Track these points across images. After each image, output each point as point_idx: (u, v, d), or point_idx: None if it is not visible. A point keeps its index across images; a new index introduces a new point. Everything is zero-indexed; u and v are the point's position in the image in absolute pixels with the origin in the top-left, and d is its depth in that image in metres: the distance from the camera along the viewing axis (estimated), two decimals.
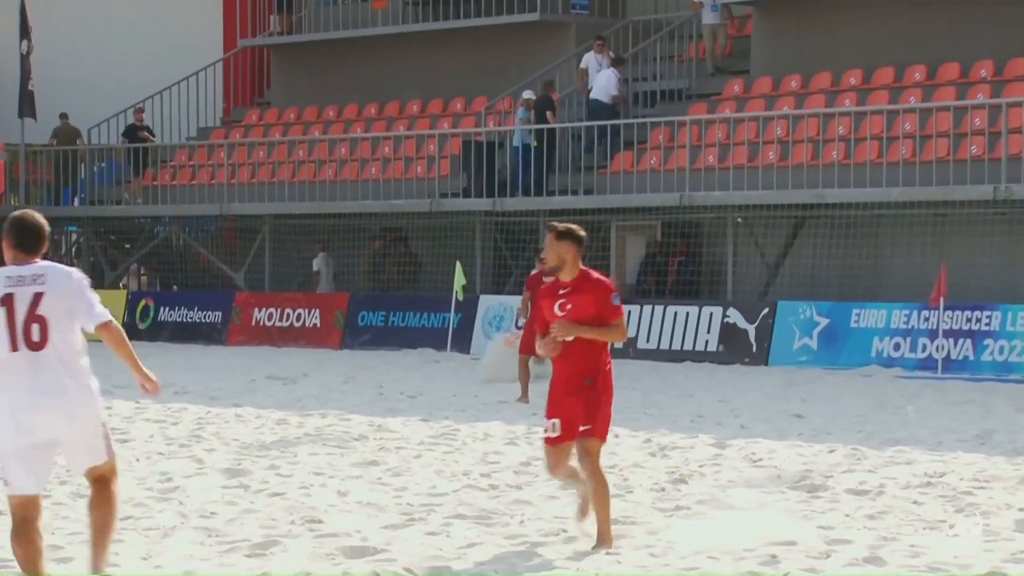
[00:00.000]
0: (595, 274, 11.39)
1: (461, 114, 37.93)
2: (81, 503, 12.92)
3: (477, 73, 37.72)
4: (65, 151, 41.31)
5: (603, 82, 34.81)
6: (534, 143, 34.38)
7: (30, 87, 39.75)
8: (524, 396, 22.38)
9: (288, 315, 35.93)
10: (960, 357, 27.54)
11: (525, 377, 22.67)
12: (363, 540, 11.12)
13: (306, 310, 35.58)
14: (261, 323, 36.39)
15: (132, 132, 40.59)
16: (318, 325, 35.17)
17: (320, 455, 16.21)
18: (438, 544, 10.75)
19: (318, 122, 40.19)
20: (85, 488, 13.81)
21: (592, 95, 34.99)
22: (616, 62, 35.19)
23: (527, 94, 34.98)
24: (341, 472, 14.79)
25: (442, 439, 17.85)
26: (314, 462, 15.67)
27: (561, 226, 11.33)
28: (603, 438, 11.26)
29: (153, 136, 40.84)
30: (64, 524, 11.92)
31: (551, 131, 34.40)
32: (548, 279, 23.82)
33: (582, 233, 11.39)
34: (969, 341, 27.63)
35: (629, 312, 31.18)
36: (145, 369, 9.18)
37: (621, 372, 27.43)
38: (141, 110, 40.67)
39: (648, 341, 31.00)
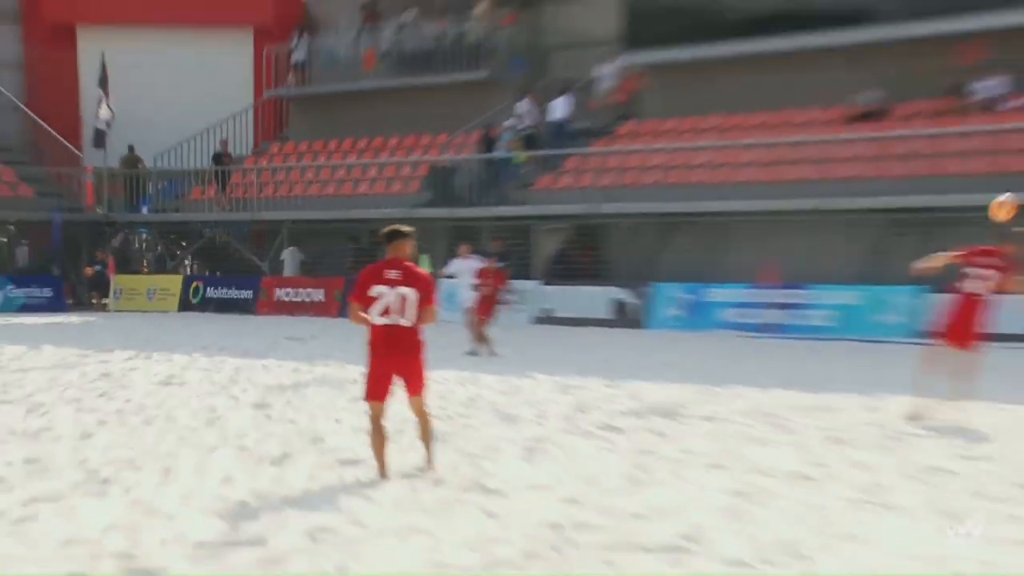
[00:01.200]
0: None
1: (428, 146, 38.02)
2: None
3: (441, 116, 37.68)
4: (136, 174, 41.40)
5: (562, 105, 34.96)
6: (518, 159, 34.74)
7: (98, 126, 39.59)
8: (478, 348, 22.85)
9: (301, 293, 36.06)
10: (782, 323, 27.87)
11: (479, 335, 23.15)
12: (354, 455, 11.27)
13: (314, 289, 35.70)
14: (281, 299, 36.45)
15: (219, 158, 40.54)
16: (322, 300, 35.25)
17: (323, 394, 16.29)
18: (410, 459, 10.91)
19: (324, 152, 40.24)
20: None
21: (553, 118, 35.09)
22: (565, 88, 35.34)
23: (509, 123, 35.48)
24: (338, 406, 14.85)
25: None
26: (319, 399, 15.74)
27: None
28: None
29: (232, 159, 40.83)
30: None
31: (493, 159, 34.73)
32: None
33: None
34: (789, 311, 27.95)
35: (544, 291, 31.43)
36: None
37: (542, 333, 27.85)
38: (225, 141, 40.76)
39: (562, 311, 31.20)
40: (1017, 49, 28.59)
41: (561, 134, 35.02)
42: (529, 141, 35.17)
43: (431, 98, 38.29)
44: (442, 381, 17.44)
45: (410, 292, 10.22)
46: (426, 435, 10.66)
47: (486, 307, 23.43)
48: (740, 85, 32.58)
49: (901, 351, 23.01)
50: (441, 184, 35.48)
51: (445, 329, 25.62)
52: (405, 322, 10.26)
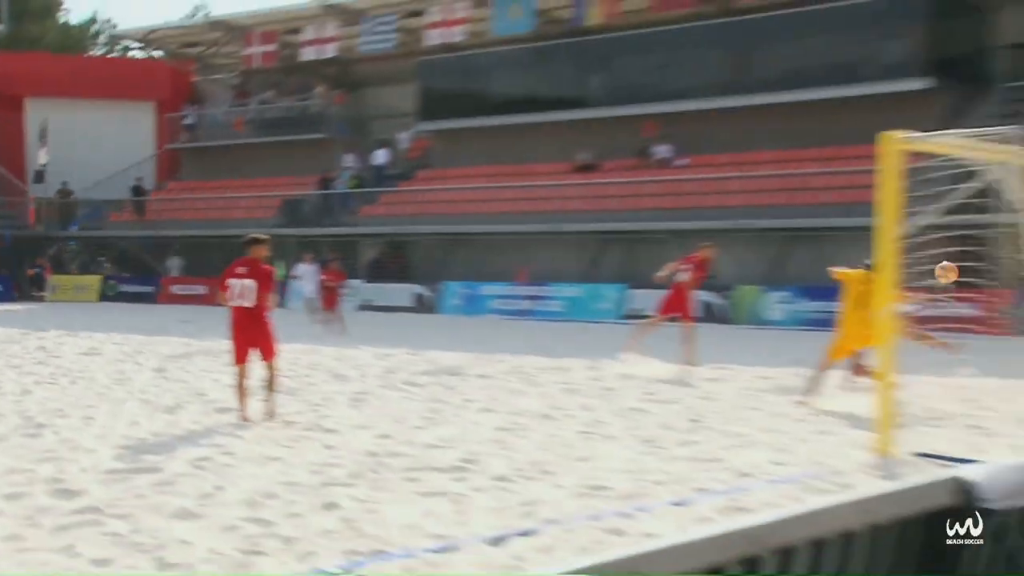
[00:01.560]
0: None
1: (282, 185, 37.16)
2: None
3: (291, 164, 36.97)
4: (68, 203, 39.60)
5: (382, 155, 34.62)
6: (351, 184, 34.43)
7: (38, 168, 38.13)
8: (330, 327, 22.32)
9: (189, 288, 34.82)
10: (531, 309, 28.08)
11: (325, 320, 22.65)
12: (227, 405, 10.82)
13: (197, 285, 34.50)
14: (176, 293, 35.20)
15: (136, 190, 38.86)
16: (205, 293, 34.06)
17: (205, 361, 15.77)
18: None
19: (207, 188, 38.95)
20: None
21: (376, 163, 34.76)
22: (382, 145, 35.10)
23: (346, 164, 34.89)
24: (217, 369, 14.34)
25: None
26: (203, 365, 15.22)
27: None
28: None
29: (144, 192, 39.19)
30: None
31: (329, 194, 34.14)
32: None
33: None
34: (536, 301, 28.20)
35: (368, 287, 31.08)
36: None
37: (364, 317, 27.55)
38: (141, 178, 39.07)
39: (378, 302, 30.80)
40: (677, 126, 29.24)
41: (381, 175, 34.70)
42: (358, 181, 34.78)
43: (284, 151, 37.35)
44: (291, 351, 17.04)
45: (251, 283, 10.03)
46: (272, 390, 10.29)
47: (330, 298, 22.88)
48: (500, 145, 32.65)
49: (610, 329, 23.43)
50: (291, 211, 34.74)
51: (293, 314, 25.21)
52: (248, 304, 10.05)
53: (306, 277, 24.09)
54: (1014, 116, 22.92)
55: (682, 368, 14.05)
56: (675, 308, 14.92)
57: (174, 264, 36.87)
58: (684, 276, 14.90)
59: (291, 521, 6.37)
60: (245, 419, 9.96)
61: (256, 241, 10.32)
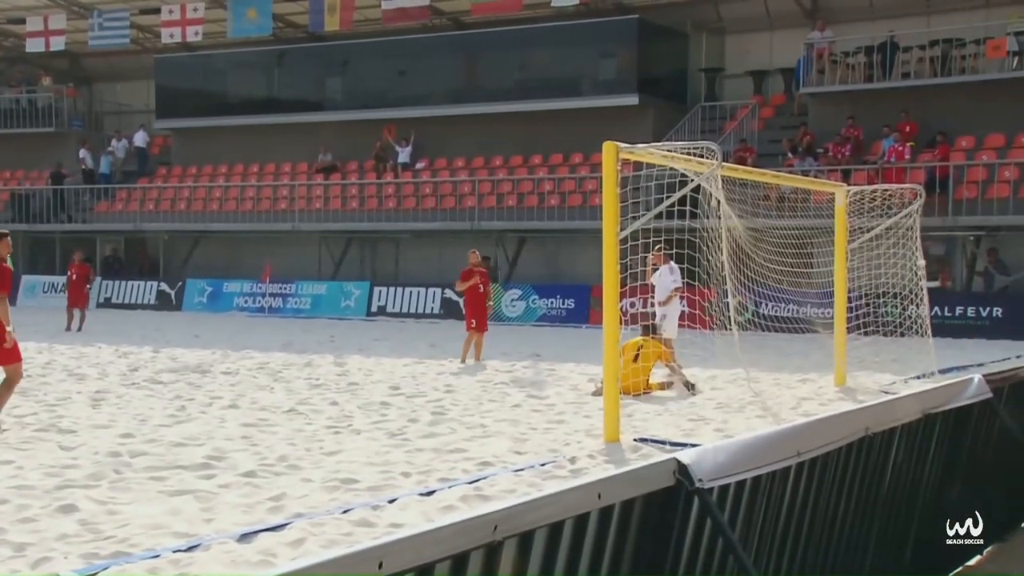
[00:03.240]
0: None
1: (9, 179, 34.45)
2: None
3: (20, 158, 34.23)
4: None
5: (140, 137, 32.94)
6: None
7: None
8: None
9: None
10: (276, 306, 27.44)
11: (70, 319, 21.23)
12: None
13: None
14: None
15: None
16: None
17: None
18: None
19: None
20: None
21: (137, 146, 32.99)
22: (125, 136, 33.43)
23: (82, 154, 32.76)
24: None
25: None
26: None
27: None
28: None
29: None
30: None
31: (61, 190, 31.98)
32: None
33: None
34: (281, 299, 27.57)
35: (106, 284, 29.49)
36: None
37: (104, 315, 25.98)
38: None
39: (117, 299, 29.18)
40: (415, 131, 29.11)
41: (143, 156, 33.00)
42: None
43: (11, 144, 34.47)
44: (24, 350, 15.82)
45: None
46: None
47: (76, 293, 21.44)
48: (241, 145, 31.57)
49: (355, 325, 23.37)
50: (21, 207, 32.25)
51: (23, 312, 23.51)
52: None
53: None
54: (709, 132, 24.77)
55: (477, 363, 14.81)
56: (473, 314, 15.33)
57: None
58: (477, 285, 15.43)
59: (24, 526, 5.94)
60: None
61: None
